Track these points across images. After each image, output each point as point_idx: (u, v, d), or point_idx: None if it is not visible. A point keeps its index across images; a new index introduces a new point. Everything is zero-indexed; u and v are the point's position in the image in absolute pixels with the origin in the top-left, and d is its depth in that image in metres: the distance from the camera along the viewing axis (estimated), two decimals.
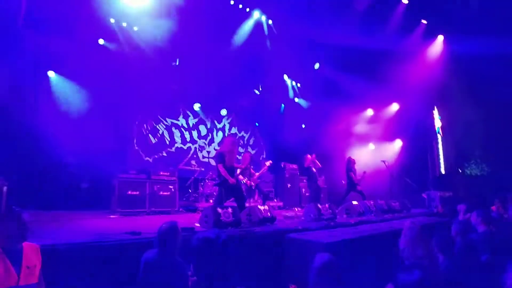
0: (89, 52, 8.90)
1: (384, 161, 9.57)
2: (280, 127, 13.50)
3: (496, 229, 4.14)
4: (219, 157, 6.17)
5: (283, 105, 14.19)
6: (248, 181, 7.47)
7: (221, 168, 6.03)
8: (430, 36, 12.80)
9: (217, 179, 6.57)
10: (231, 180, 5.99)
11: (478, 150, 13.99)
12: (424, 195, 11.57)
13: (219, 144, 12.61)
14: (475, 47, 11.27)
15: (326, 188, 11.64)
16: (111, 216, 7.16)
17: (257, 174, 7.88)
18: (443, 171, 13.76)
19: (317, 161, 9.32)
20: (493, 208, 8.99)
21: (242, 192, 6.29)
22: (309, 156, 9.25)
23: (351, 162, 9.44)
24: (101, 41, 9.26)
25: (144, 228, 4.81)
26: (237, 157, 7.16)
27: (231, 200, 6.61)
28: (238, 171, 7.16)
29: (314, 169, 9.15)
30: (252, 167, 7.88)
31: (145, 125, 10.84)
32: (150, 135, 10.93)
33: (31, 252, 2.41)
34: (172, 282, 2.64)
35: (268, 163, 7.94)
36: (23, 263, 2.32)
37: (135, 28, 9.71)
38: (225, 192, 6.13)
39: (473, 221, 4.15)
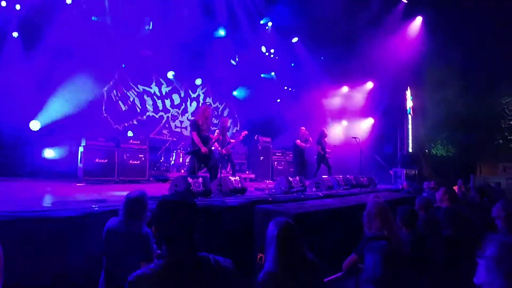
0: (57, 13, 8.28)
1: (355, 138, 9.74)
2: (255, 100, 13.37)
3: (458, 207, 4.34)
4: (193, 125, 6.06)
5: (259, 77, 13.98)
6: (222, 150, 7.32)
7: (195, 136, 5.91)
8: (409, 16, 12.85)
9: (189, 147, 6.41)
10: (204, 149, 5.85)
11: (445, 132, 14.57)
12: (391, 172, 12.03)
13: (192, 114, 12.37)
14: (452, 30, 11.49)
15: None
16: (78, 184, 6.94)
17: (232, 141, 7.74)
18: (410, 150, 14.26)
19: (309, 137, 9.13)
20: (455, 188, 9.48)
21: (216, 162, 6.10)
22: (303, 128, 9.07)
23: (322, 135, 9.47)
24: (68, 1, 8.57)
25: (111, 196, 4.69)
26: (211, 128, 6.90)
27: (203, 170, 6.51)
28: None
29: (303, 144, 8.94)
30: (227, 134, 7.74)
31: (114, 91, 10.35)
32: (120, 102, 10.48)
33: None
34: (136, 252, 2.53)
35: (243, 134, 7.81)
36: None
37: None
38: (198, 161, 6.02)
39: (438, 198, 4.31)
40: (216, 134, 7.01)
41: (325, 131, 9.75)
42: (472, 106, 12.74)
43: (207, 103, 12.75)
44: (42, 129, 8.21)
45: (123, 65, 10.26)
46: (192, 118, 6.58)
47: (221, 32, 11.82)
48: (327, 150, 9.49)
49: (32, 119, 8.09)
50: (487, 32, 11.85)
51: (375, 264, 2.41)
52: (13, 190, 5.56)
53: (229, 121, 7.95)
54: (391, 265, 2.38)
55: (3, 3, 7.88)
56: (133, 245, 2.55)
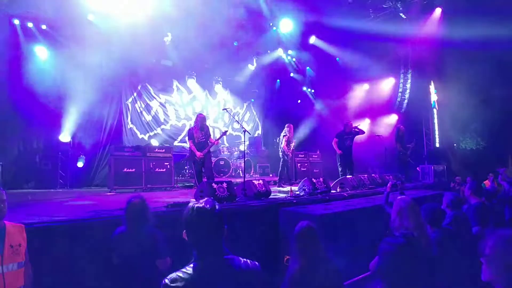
0: (80, 27, 8.65)
1: (379, 136, 9.56)
2: (276, 102, 13.40)
3: (490, 203, 4.21)
4: (189, 133, 7.00)
5: (278, 81, 14.04)
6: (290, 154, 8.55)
7: (190, 143, 6.86)
8: (428, 9, 12.52)
9: (189, 155, 7.43)
10: (198, 154, 6.75)
11: (473, 124, 14.04)
12: (418, 169, 11.71)
13: (214, 120, 12.55)
14: (473, 20, 11.09)
15: (321, 163, 11.72)
16: (108, 193, 7.22)
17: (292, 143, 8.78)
18: (437, 145, 13.84)
19: (358, 129, 8.46)
20: (486, 182, 9.10)
21: (210, 165, 7.22)
22: (349, 122, 8.53)
23: (399, 131, 8.99)
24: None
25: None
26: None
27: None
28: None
29: (337, 149, 8.39)
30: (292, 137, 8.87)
31: (139, 102, 10.70)
32: (144, 112, 10.82)
33: (14, 232, 2.37)
34: (151, 253, 2.78)
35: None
36: (5, 242, 2.28)
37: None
38: (195, 165, 6.96)
39: (466, 194, 4.20)
40: (284, 139, 8.41)
41: (402, 127, 9.16)
42: (502, 97, 12.22)
43: (228, 109, 12.91)
44: (72, 141, 8.61)
45: (139, 87, 10.67)
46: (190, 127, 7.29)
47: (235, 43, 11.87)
48: (407, 146, 9.00)
49: (62, 133, 8.51)
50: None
51: (390, 262, 2.37)
52: (46, 200, 5.83)
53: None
54: (407, 264, 2.31)
55: None
56: (146, 247, 2.77)
